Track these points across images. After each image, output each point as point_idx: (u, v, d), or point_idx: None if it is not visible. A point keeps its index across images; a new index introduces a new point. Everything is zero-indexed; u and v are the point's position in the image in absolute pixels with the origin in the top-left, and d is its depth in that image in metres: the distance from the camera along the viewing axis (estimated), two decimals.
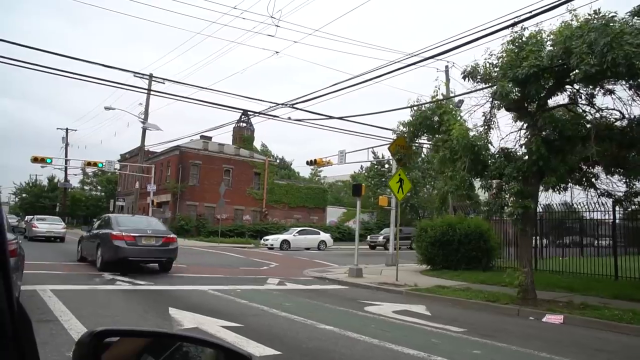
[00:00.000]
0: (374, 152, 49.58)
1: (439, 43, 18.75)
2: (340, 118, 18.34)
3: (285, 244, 26.68)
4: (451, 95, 12.42)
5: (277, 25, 15.37)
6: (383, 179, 54.52)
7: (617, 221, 13.78)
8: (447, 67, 24.29)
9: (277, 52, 17.04)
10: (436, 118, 12.74)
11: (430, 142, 19.58)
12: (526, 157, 9.91)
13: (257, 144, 54.50)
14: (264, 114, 15.16)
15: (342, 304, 8.63)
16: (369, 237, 33.82)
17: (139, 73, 19.75)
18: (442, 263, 15.55)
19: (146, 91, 23.59)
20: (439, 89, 12.57)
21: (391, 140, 24.49)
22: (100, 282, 9.41)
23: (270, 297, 8.98)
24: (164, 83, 26.35)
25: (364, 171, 60.83)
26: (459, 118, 12.07)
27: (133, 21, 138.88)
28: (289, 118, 15.62)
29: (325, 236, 29.18)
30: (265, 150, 59.32)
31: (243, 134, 47.69)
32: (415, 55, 18.63)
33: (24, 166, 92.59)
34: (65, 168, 39.07)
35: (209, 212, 40.76)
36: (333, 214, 49.58)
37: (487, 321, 7.72)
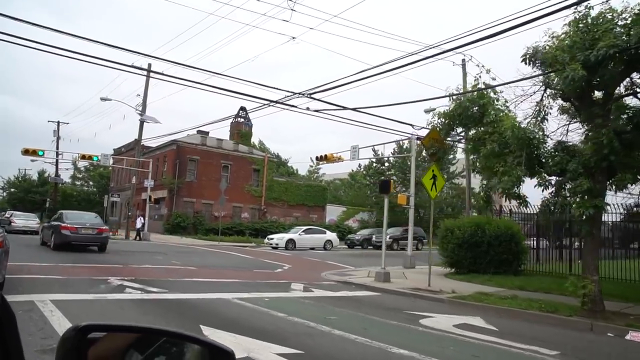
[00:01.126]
0: (374, 150, 48.55)
1: (467, 32, 17.68)
2: (354, 109, 17.22)
3: (290, 244, 25.43)
4: (493, 84, 11.28)
5: (293, 10, 14.12)
6: (382, 177, 53.58)
7: None
8: (464, 60, 23.28)
9: (293, 38, 15.76)
10: (475, 109, 11.65)
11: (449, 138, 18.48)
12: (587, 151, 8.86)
13: (254, 140, 53.15)
14: (281, 102, 13.93)
15: (390, 316, 7.49)
16: (373, 236, 32.71)
17: (139, 53, 18.30)
18: (469, 266, 14.47)
19: (146, 72, 22.17)
20: (479, 76, 11.47)
21: (401, 137, 23.37)
22: (107, 289, 8.13)
23: (305, 308, 7.80)
24: (162, 74, 24.92)
25: (362, 169, 59.76)
26: (503, 109, 11.00)
27: (130, 15, 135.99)
28: (307, 108, 14.42)
29: (331, 235, 27.99)
30: (263, 147, 57.94)
31: (241, 130, 46.33)
32: (434, 47, 17.43)
33: (14, 161, 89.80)
34: (57, 162, 37.34)
35: (206, 209, 39.36)
36: (332, 212, 48.43)
37: (568, 339, 6.63)
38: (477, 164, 13.38)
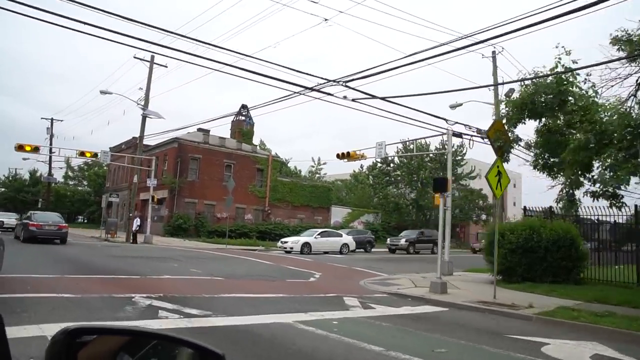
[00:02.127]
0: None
1: (503, 22, 16.15)
2: (383, 98, 15.74)
3: (306, 247, 23.76)
4: (575, 66, 9.76)
5: None
6: (386, 178, 52.12)
7: None
8: (494, 52, 21.82)
9: (326, 20, 14.18)
10: (550, 96, 10.15)
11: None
12: None
13: (255, 141, 51.33)
14: (317, 90, 12.34)
15: (499, 344, 5.93)
16: (388, 240, 31.20)
17: (142, 24, 16.59)
18: (523, 274, 12.99)
19: (149, 60, 20.41)
20: (559, 59, 9.94)
21: (435, 133, 21.76)
22: (135, 312, 6.41)
23: (391, 335, 6.21)
24: (166, 66, 23.26)
25: (365, 170, 58.22)
26: (592, 94, 9.51)
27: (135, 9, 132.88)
28: (345, 97, 12.83)
29: (347, 239, 26.34)
30: (264, 147, 56.19)
31: (242, 128, 44.49)
32: (467, 37, 15.93)
33: (3, 161, 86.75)
34: (50, 159, 35.33)
35: (209, 210, 37.57)
36: (337, 213, 46.81)
37: None
38: (539, 159, 11.88)
